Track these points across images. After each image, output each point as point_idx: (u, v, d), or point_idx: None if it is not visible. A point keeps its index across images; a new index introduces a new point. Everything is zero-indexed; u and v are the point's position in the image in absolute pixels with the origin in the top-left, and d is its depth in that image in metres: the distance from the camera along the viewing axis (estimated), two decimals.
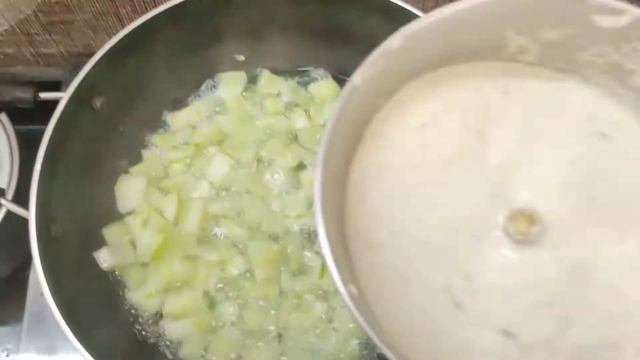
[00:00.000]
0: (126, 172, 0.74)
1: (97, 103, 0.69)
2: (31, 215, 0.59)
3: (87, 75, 0.66)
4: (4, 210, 0.75)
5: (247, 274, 0.68)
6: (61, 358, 0.73)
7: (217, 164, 0.73)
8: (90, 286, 0.66)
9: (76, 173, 0.67)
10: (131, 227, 0.70)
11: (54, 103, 0.69)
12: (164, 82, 0.75)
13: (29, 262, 0.83)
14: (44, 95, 0.66)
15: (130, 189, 0.73)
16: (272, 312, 0.66)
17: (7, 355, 0.82)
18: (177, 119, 0.77)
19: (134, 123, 0.74)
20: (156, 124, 0.77)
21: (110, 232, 0.70)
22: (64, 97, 0.64)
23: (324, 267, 0.68)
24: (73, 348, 0.56)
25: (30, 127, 0.81)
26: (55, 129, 0.63)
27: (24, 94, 0.65)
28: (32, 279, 0.75)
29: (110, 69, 0.68)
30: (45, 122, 0.80)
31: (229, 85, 0.78)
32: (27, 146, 0.83)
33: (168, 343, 0.67)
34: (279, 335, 0.66)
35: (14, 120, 0.83)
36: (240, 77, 0.78)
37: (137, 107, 0.74)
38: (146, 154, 0.75)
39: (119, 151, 0.74)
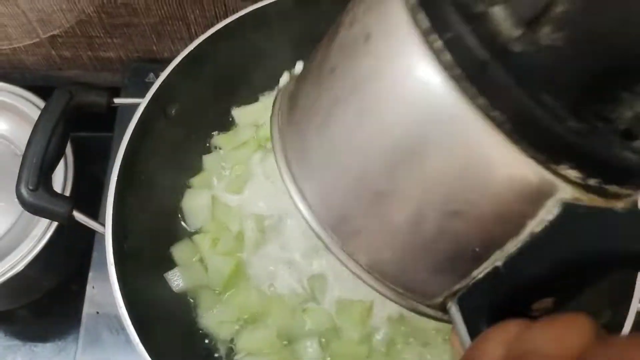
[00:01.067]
0: (190, 185, 0.69)
1: (172, 110, 0.65)
2: (107, 229, 0.54)
3: (165, 80, 0.62)
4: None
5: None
6: None
7: None
8: (161, 307, 0.60)
9: (147, 185, 0.62)
10: (200, 246, 0.65)
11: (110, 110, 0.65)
12: (237, 85, 0.70)
13: (75, 276, 0.79)
14: (118, 101, 0.61)
15: (195, 205, 0.67)
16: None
17: None
18: (243, 115, 0.71)
19: (205, 129, 0.70)
20: (224, 125, 0.72)
21: (178, 251, 0.64)
22: (142, 103, 0.60)
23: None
24: None
25: (84, 134, 0.76)
26: (132, 137, 0.59)
27: (99, 98, 0.60)
28: (89, 294, 0.69)
29: (186, 75, 0.64)
30: (96, 129, 0.76)
31: None
32: (80, 155, 0.79)
33: None
34: None
35: None
36: None
37: (208, 113, 0.69)
38: (207, 160, 0.70)
39: (189, 160, 0.69)
